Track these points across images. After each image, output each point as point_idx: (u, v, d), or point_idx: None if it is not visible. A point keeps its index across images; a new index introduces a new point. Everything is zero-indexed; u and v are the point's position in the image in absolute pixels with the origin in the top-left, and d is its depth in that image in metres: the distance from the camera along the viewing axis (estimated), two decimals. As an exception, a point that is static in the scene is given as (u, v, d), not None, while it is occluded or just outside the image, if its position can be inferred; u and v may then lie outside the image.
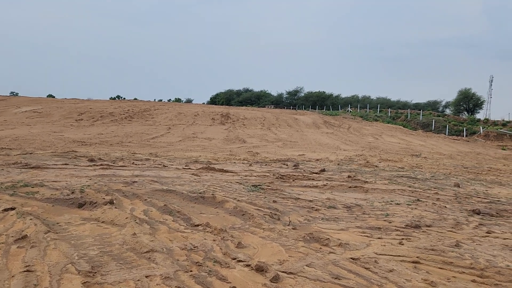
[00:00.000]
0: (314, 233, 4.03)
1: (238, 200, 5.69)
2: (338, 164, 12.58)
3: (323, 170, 10.48)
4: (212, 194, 5.76)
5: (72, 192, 5.57)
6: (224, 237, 3.79)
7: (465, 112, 54.60)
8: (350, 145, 23.13)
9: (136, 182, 6.80)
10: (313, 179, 8.88)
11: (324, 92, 74.85)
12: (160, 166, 9.55)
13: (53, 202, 5.04)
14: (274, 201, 5.88)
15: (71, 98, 52.58)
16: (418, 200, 6.66)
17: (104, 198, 5.14)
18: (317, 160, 14.13)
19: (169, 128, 26.72)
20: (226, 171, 9.38)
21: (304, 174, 9.48)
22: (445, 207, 6.07)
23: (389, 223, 4.83)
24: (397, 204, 6.21)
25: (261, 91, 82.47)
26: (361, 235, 4.23)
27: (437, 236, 4.27)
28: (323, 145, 22.37)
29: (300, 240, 3.88)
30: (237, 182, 7.65)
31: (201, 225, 4.23)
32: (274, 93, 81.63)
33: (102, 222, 4.22)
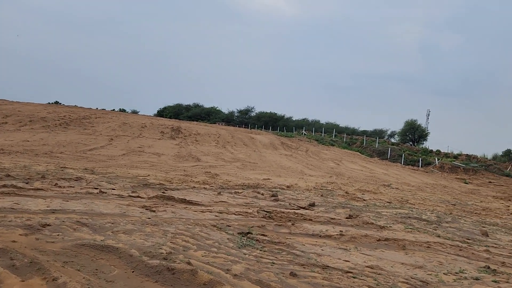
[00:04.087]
0: None
1: (234, 275, 3.13)
2: (322, 196, 10.33)
3: (313, 205, 8.18)
4: (188, 262, 3.14)
5: None
6: None
7: (411, 142, 55.58)
8: (314, 170, 21.21)
9: (49, 225, 3.96)
10: (311, 220, 6.51)
11: (276, 113, 73.56)
12: (95, 191, 6.66)
13: None
14: (293, 275, 3.39)
15: (-1, 99, 46.52)
16: (488, 267, 4.48)
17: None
18: (288, 187, 11.89)
19: (111, 139, 23.27)
20: (191, 203, 6.73)
21: (296, 212, 7.08)
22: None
23: None
24: (475, 279, 3.97)
25: (212, 107, 79.51)
26: None
27: None
28: (286, 169, 20.24)
29: None
30: (214, 226, 5.06)
31: None
32: (225, 110, 79.07)
33: None
